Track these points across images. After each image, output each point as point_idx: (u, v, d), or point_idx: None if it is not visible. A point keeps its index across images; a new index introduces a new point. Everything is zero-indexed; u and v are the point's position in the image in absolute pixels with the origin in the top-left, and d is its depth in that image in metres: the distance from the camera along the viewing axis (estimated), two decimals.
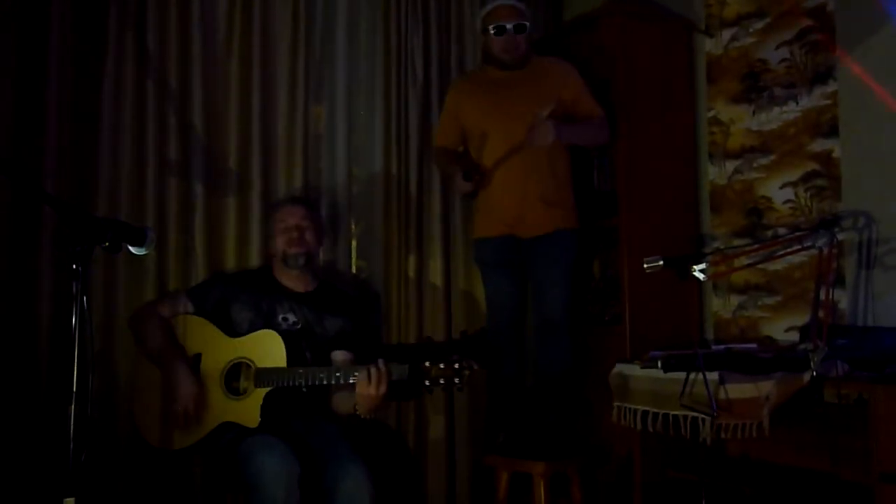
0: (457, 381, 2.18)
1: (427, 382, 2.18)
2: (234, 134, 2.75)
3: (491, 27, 2.71)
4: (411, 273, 3.00)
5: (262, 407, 2.20)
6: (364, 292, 2.90)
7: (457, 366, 2.18)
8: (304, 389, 2.26)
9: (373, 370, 2.18)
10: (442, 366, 2.18)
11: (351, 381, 2.21)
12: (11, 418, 2.32)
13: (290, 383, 2.21)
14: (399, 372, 2.21)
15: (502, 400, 2.79)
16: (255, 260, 2.72)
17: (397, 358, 2.26)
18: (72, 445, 1.46)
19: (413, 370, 2.20)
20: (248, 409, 2.20)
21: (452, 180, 2.79)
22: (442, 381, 2.17)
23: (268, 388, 2.21)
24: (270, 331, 2.29)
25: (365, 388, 2.18)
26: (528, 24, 2.73)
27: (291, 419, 2.29)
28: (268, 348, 2.25)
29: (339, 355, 2.45)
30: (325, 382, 2.23)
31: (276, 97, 2.83)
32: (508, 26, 2.69)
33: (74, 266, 1.50)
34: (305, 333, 2.37)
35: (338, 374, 2.23)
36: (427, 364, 2.19)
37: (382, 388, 2.18)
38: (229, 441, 2.17)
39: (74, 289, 1.49)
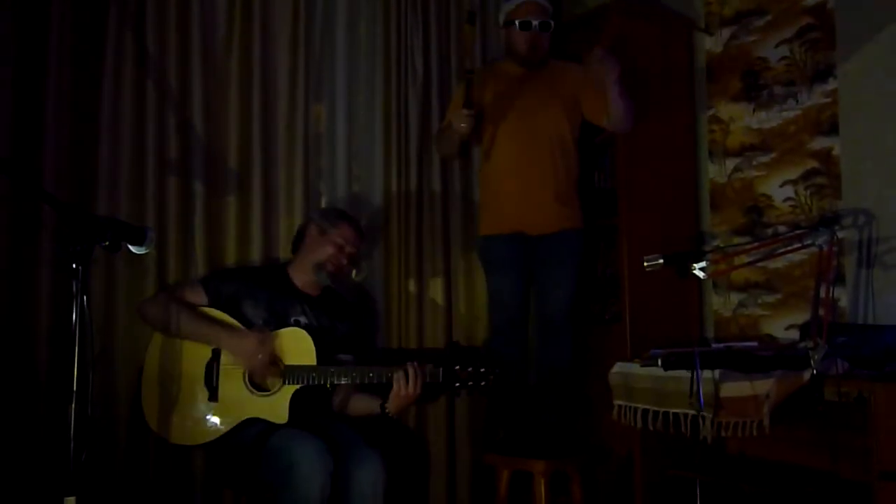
0: (483, 383, 2.36)
1: (457, 384, 2.36)
2: (234, 133, 2.75)
3: (517, 22, 2.69)
4: (411, 271, 2.99)
5: (291, 403, 2.21)
6: (362, 298, 2.90)
7: (483, 370, 2.37)
8: (330, 387, 2.34)
9: (410, 370, 2.30)
10: (470, 369, 2.36)
11: (384, 381, 2.31)
12: (11, 418, 2.31)
13: (322, 381, 2.25)
14: (432, 374, 2.36)
15: (503, 398, 2.79)
16: (255, 259, 2.71)
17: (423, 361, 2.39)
18: (72, 445, 1.46)
19: (446, 373, 2.36)
20: (277, 406, 2.22)
21: (448, 130, 2.68)
22: (470, 384, 2.36)
23: (297, 385, 2.23)
24: (298, 329, 2.31)
25: (403, 387, 2.28)
26: (552, 22, 2.72)
27: (313, 417, 2.31)
28: (296, 346, 2.28)
29: (343, 358, 2.46)
30: (357, 381, 2.33)
31: (276, 96, 2.82)
32: (535, 23, 2.68)
33: (74, 265, 1.50)
34: (318, 335, 2.37)
35: (370, 374, 2.31)
36: (458, 368, 2.36)
37: (419, 388, 2.30)
38: (255, 437, 2.17)
39: (74, 288, 1.49)
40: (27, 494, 2.27)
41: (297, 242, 2.54)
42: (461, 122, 2.57)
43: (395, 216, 2.98)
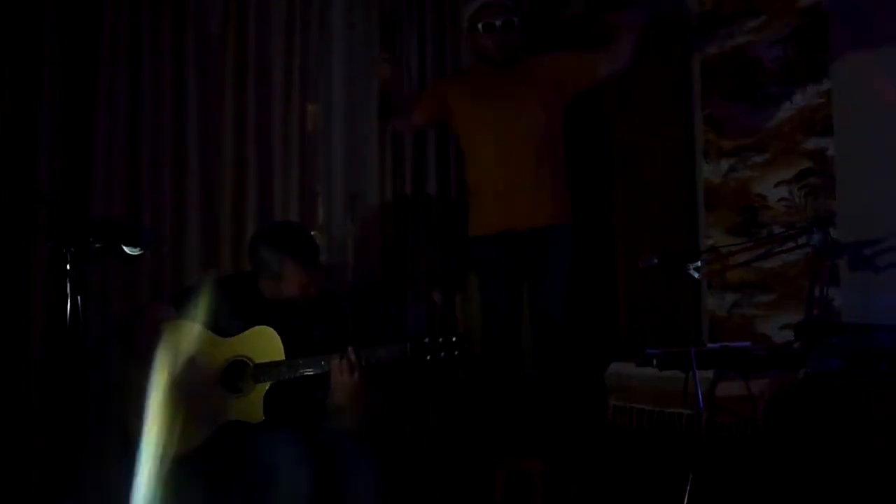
0: (456, 353, 2.21)
1: (429, 357, 2.21)
2: (230, 132, 2.74)
3: (479, 25, 2.69)
4: (407, 270, 2.99)
5: (265, 402, 2.20)
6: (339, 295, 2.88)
7: (454, 339, 2.22)
8: (305, 377, 2.26)
9: (343, 361, 2.18)
10: (441, 340, 2.21)
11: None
12: (6, 418, 2.31)
13: (290, 375, 2.22)
14: (400, 349, 2.22)
15: (499, 399, 2.79)
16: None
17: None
18: (67, 445, 1.45)
19: (414, 347, 2.22)
20: (251, 406, 2.20)
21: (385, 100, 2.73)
22: (443, 355, 2.21)
23: (269, 383, 2.22)
24: (265, 327, 2.28)
25: (338, 375, 2.18)
26: (516, 20, 2.70)
27: (296, 413, 2.29)
28: (264, 344, 2.24)
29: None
30: (328, 370, 2.22)
31: (272, 95, 2.82)
32: (497, 23, 2.67)
33: (68, 266, 1.50)
34: (298, 341, 2.35)
35: (322, 363, 2.22)
36: (427, 340, 2.22)
37: (356, 374, 2.18)
38: (237, 439, 2.16)
39: (68, 289, 1.48)
40: (23, 495, 2.27)
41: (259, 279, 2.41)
42: (379, 71, 2.59)
43: (392, 215, 2.98)
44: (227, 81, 2.75)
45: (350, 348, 2.21)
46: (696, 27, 3.06)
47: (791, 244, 2.28)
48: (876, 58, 2.46)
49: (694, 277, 2.15)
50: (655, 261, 2.15)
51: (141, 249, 1.68)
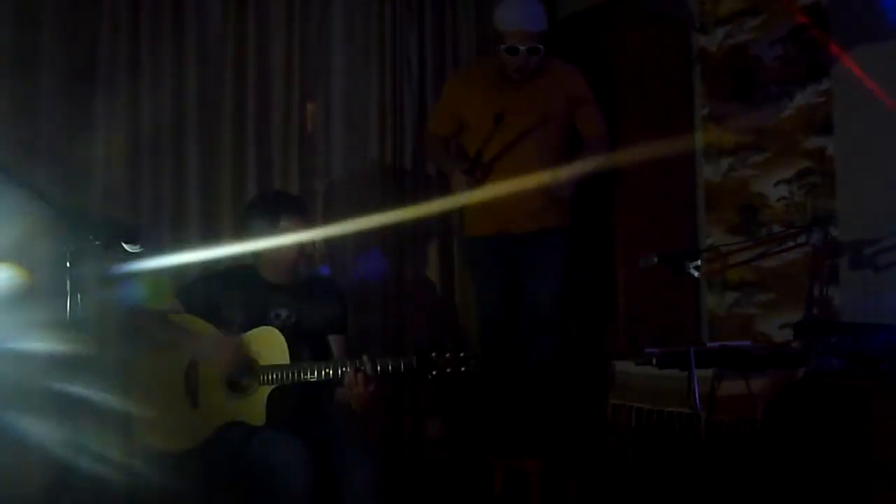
0: (463, 369, 2.24)
1: (434, 372, 2.24)
2: (229, 130, 2.74)
3: (503, 46, 2.65)
4: (408, 267, 2.99)
5: (268, 403, 2.20)
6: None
7: (462, 354, 2.25)
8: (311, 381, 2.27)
9: (359, 373, 2.19)
10: (448, 356, 2.24)
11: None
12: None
13: (295, 379, 2.22)
14: (406, 363, 2.24)
15: (496, 397, 2.79)
16: (250, 256, 2.71)
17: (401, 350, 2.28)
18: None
19: (420, 360, 2.24)
20: (253, 407, 2.20)
21: (448, 176, 2.74)
22: (449, 371, 2.23)
23: (272, 386, 2.21)
24: (271, 328, 2.28)
25: (353, 385, 2.19)
26: (541, 46, 2.66)
27: (297, 414, 2.29)
28: (269, 345, 2.24)
29: (335, 340, 2.43)
30: (330, 375, 2.23)
31: (272, 91, 2.82)
32: (522, 48, 2.64)
33: (68, 264, 1.50)
34: (301, 325, 2.36)
35: (344, 369, 2.22)
36: (434, 354, 2.24)
37: (371, 386, 2.19)
38: (238, 440, 2.16)
39: (68, 286, 1.49)
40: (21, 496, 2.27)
41: (256, 253, 2.42)
42: (460, 186, 2.66)
43: (391, 211, 2.98)
44: (227, 79, 2.75)
45: (366, 358, 2.22)
46: (696, 26, 3.06)
47: (791, 243, 2.28)
48: (876, 56, 2.46)
49: (694, 276, 2.14)
50: (655, 260, 2.15)
51: (141, 247, 1.68)
